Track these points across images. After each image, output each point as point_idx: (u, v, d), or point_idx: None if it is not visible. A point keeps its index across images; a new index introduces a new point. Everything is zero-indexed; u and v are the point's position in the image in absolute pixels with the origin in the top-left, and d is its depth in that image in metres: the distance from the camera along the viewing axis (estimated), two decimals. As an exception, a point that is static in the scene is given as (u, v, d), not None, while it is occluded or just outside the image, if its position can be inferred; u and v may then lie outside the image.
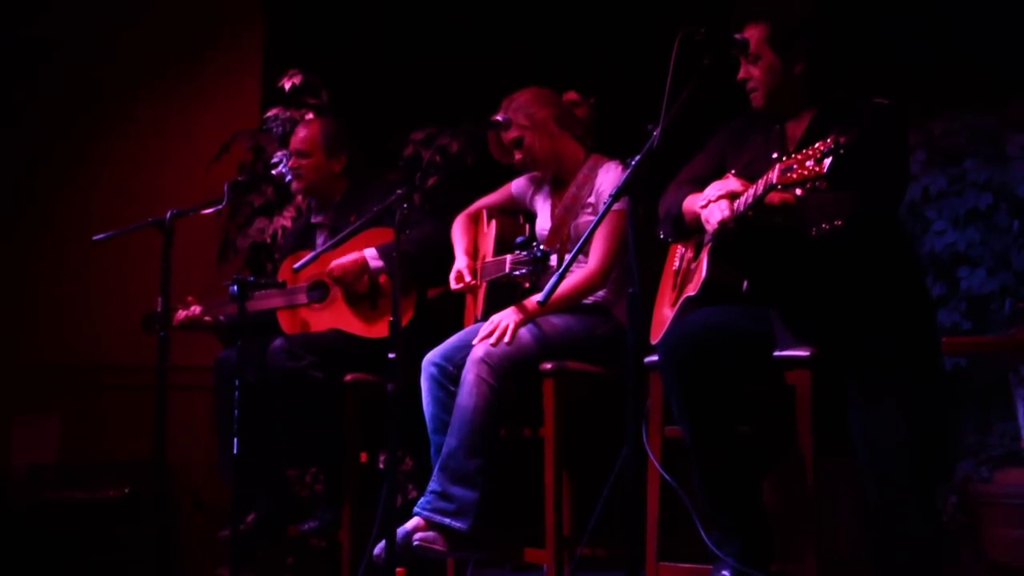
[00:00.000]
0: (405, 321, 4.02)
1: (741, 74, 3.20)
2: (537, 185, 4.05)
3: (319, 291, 4.27)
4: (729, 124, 3.41)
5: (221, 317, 4.38)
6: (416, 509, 3.61)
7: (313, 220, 4.51)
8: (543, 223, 3.95)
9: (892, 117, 3.08)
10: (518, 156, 3.89)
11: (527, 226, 4.01)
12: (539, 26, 4.98)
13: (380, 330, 4.09)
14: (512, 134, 3.86)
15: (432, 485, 3.62)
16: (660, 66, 2.94)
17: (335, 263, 4.13)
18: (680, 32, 2.97)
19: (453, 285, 3.94)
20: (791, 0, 3.17)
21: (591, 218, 3.80)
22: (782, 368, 3.08)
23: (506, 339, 3.64)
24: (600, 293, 3.80)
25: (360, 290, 4.18)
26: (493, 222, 4.03)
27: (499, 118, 3.85)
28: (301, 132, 4.45)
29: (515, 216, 4.08)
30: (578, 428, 3.75)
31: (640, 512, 3.25)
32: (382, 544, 3.47)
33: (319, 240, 4.45)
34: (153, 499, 4.66)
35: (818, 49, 3.15)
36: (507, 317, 3.68)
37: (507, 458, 3.73)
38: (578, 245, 3.01)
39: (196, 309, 4.36)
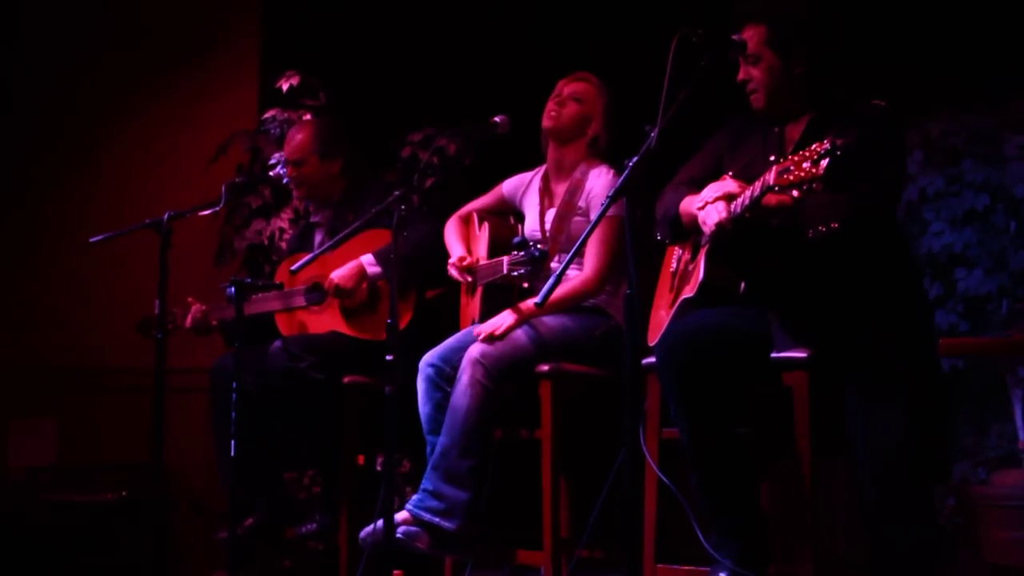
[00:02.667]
0: (403, 324, 4.01)
1: (741, 75, 3.20)
2: (527, 186, 4.05)
3: (317, 293, 4.26)
4: (727, 125, 3.41)
5: (215, 321, 4.38)
6: (407, 506, 3.62)
7: (312, 219, 4.52)
8: (532, 223, 3.95)
9: (890, 119, 3.08)
10: (566, 107, 3.88)
11: (519, 227, 4.01)
12: (537, 28, 4.98)
13: (379, 333, 4.08)
14: (580, 92, 3.89)
15: (424, 483, 3.62)
16: (658, 67, 2.94)
17: (333, 276, 4.11)
18: (677, 33, 2.97)
19: (453, 273, 3.94)
20: (790, 1, 3.17)
21: (582, 220, 3.81)
22: (780, 369, 3.08)
23: (498, 332, 3.63)
24: (597, 294, 3.80)
25: (359, 299, 4.17)
26: (486, 224, 4.03)
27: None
28: (294, 139, 4.42)
29: (506, 218, 4.08)
30: (575, 430, 3.75)
31: (638, 514, 3.24)
32: (368, 528, 3.48)
33: (317, 239, 4.44)
34: (151, 501, 4.66)
35: (819, 50, 3.15)
36: (503, 318, 3.69)
37: (504, 460, 3.73)
38: (574, 249, 3.00)
39: (200, 310, 4.35)
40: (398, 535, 3.53)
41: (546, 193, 3.97)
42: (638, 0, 4.74)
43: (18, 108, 5.74)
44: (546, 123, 3.91)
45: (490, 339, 3.65)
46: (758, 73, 3.18)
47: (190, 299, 4.40)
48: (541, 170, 4.04)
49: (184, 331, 4.39)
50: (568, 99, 3.89)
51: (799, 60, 3.15)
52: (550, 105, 3.91)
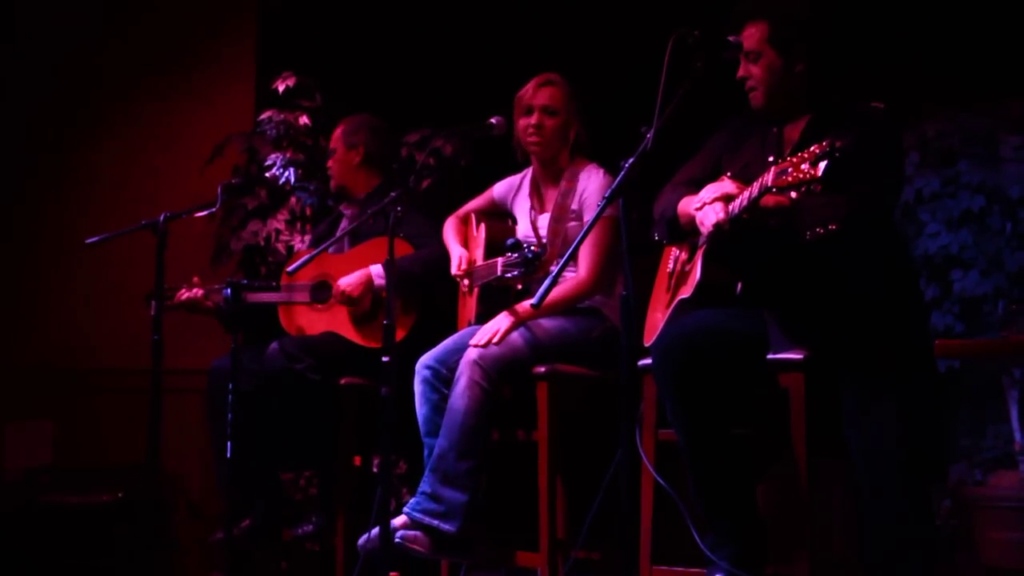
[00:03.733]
0: (402, 335, 4.01)
1: (740, 72, 3.20)
2: (517, 189, 4.04)
3: (323, 292, 4.25)
4: (726, 126, 3.41)
5: (212, 304, 4.37)
6: (405, 510, 3.61)
7: (343, 209, 4.52)
8: (524, 228, 3.95)
9: (887, 121, 3.09)
10: (545, 126, 3.85)
11: (516, 228, 4.01)
12: (532, 29, 4.98)
13: (377, 340, 4.08)
14: (551, 101, 3.86)
15: (423, 486, 3.62)
16: (654, 68, 2.94)
17: (342, 284, 4.11)
18: (673, 34, 2.97)
19: (454, 271, 3.95)
20: (791, 0, 3.18)
21: (576, 223, 3.80)
22: (776, 371, 3.08)
23: (495, 340, 3.64)
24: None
25: (363, 308, 4.16)
26: (482, 226, 4.03)
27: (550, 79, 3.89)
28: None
29: (504, 219, 4.08)
30: (572, 431, 3.75)
31: (634, 515, 3.25)
32: (365, 536, 3.48)
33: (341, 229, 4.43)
34: (147, 503, 4.67)
35: (819, 49, 3.16)
36: (499, 322, 3.69)
37: (501, 461, 3.73)
38: (569, 251, 3.00)
39: (198, 292, 4.34)
40: (396, 540, 3.53)
41: (536, 198, 3.97)
42: (635, 1, 4.73)
43: (14, 110, 5.74)
44: (533, 149, 3.89)
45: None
46: (758, 71, 3.18)
47: (196, 279, 4.37)
48: (529, 172, 4.03)
49: (172, 304, 4.35)
50: (543, 115, 3.85)
51: (800, 58, 3.15)
52: (526, 126, 3.86)
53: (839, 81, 3.21)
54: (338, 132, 4.50)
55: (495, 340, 3.64)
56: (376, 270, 4.12)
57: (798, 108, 3.21)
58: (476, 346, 3.64)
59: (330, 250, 4.10)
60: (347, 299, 4.11)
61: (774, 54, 3.16)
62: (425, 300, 4.16)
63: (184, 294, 4.34)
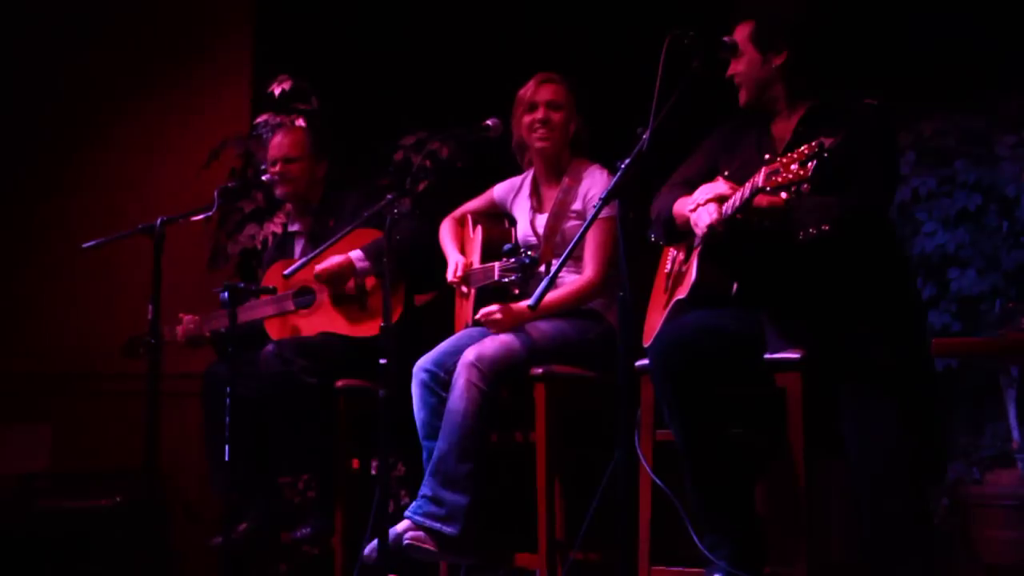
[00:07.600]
0: (394, 318, 4.01)
1: (729, 71, 3.23)
2: (517, 191, 4.04)
3: (306, 296, 4.26)
4: (723, 125, 3.41)
5: (208, 332, 4.39)
6: (407, 514, 3.61)
7: (291, 229, 4.52)
8: (523, 229, 3.95)
9: (880, 118, 3.09)
10: (552, 123, 3.85)
11: (512, 230, 4.01)
12: (528, 31, 4.98)
13: (370, 329, 4.09)
14: (555, 98, 3.86)
15: (423, 490, 3.62)
16: (650, 69, 2.94)
17: (320, 267, 4.12)
18: (669, 35, 2.97)
19: (450, 278, 3.95)
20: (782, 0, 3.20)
21: (577, 223, 3.80)
22: (773, 371, 3.08)
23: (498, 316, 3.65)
24: (592, 297, 3.81)
25: (347, 291, 4.17)
26: (479, 227, 4.03)
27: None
28: (287, 137, 4.47)
29: (500, 220, 4.08)
30: (570, 432, 3.75)
31: (632, 516, 3.25)
32: (373, 544, 3.48)
33: (297, 248, 4.45)
34: (146, 507, 4.66)
35: (799, 44, 3.16)
36: (499, 310, 3.68)
37: (499, 463, 3.73)
38: (567, 251, 3.00)
39: (193, 320, 4.35)
40: (406, 542, 3.53)
41: (535, 198, 3.97)
42: (631, 2, 4.74)
43: (9, 115, 5.73)
44: (540, 144, 3.87)
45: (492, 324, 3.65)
46: (740, 67, 3.21)
47: (181, 314, 4.40)
48: (530, 173, 4.03)
49: (177, 345, 4.39)
50: (549, 109, 3.85)
51: (776, 52, 3.17)
52: (531, 122, 3.85)
53: (830, 77, 3.21)
54: (304, 139, 4.46)
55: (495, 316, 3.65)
56: (356, 255, 4.13)
57: (785, 104, 3.21)
58: (475, 346, 3.63)
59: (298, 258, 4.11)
60: (325, 277, 4.10)
61: (752, 49, 3.19)
62: (411, 278, 4.17)
63: (181, 333, 4.36)
